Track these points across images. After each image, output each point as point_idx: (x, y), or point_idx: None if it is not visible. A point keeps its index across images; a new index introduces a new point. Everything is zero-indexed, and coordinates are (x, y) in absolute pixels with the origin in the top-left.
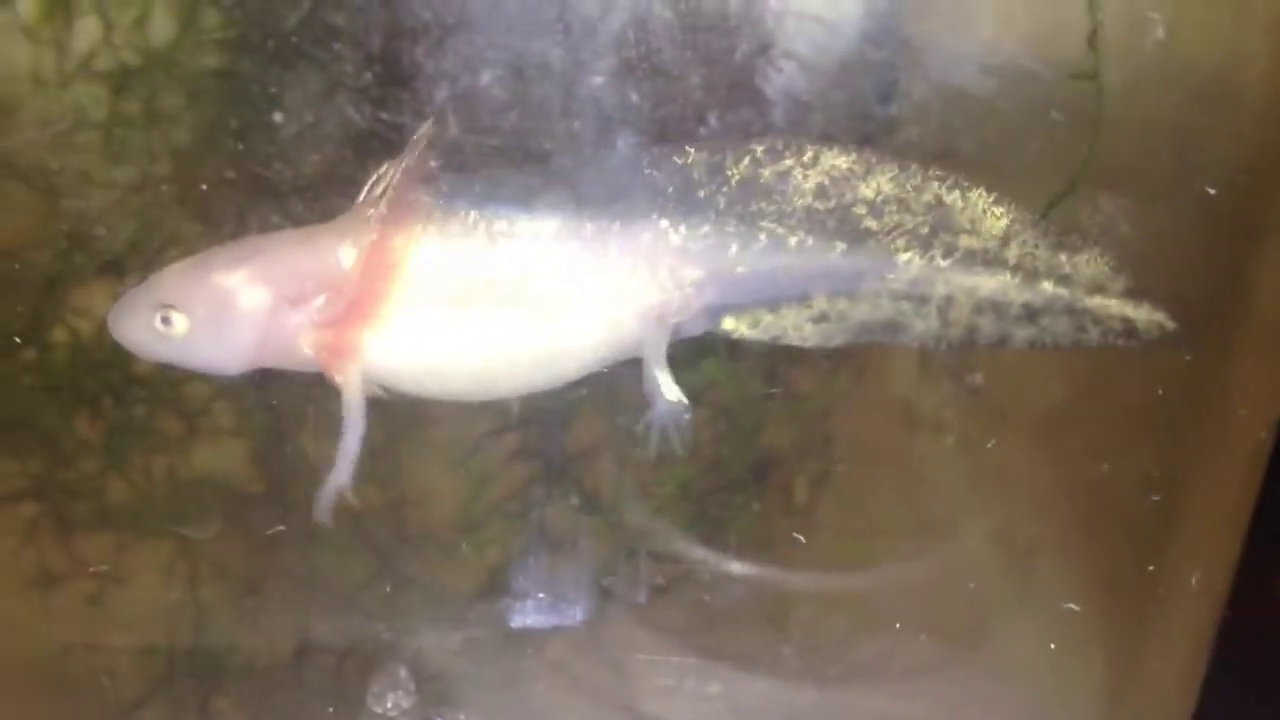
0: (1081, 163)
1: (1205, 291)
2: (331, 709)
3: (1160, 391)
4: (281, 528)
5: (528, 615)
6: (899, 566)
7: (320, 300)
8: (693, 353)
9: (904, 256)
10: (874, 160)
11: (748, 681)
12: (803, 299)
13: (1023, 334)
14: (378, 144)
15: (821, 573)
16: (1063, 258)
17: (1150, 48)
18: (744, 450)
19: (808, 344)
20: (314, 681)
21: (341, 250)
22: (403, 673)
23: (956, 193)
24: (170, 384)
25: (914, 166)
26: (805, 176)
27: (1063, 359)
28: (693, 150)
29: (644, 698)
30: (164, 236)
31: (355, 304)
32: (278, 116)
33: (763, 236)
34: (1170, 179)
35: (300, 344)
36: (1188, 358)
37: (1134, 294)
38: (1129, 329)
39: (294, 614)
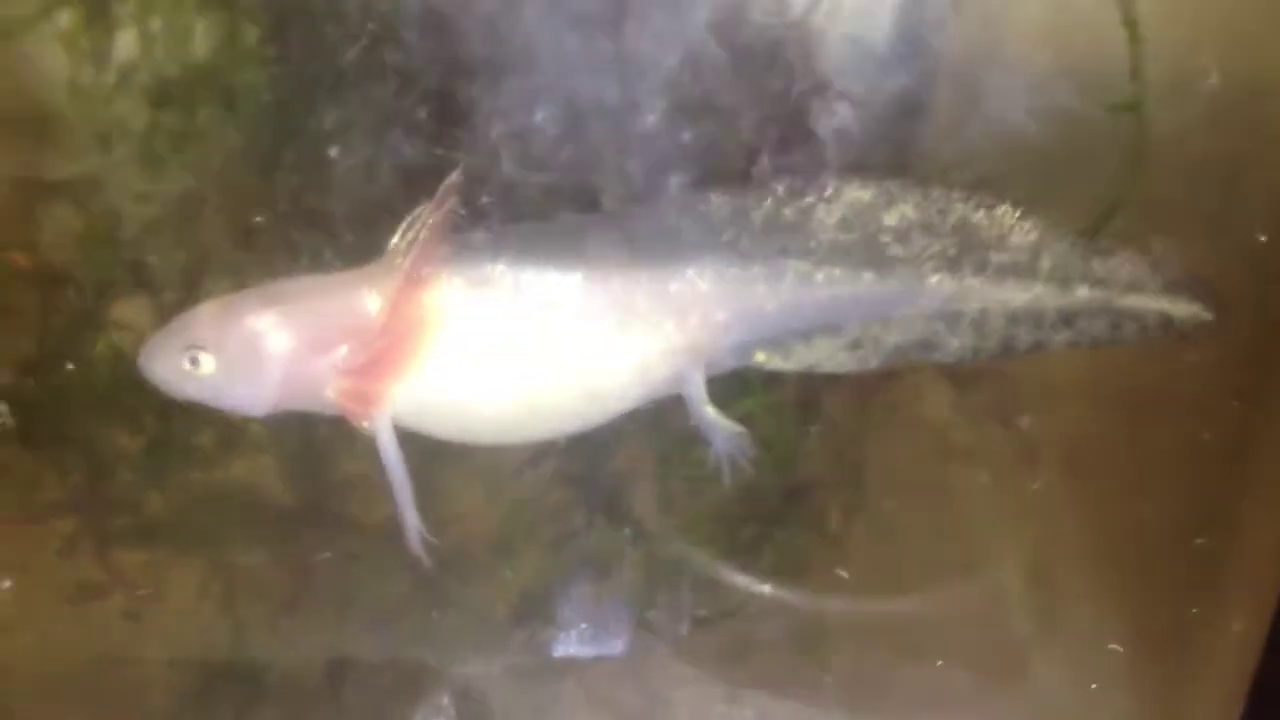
0: (1124, 186)
1: (1251, 338)
2: None
3: (1206, 436)
4: (327, 554)
5: (569, 645)
6: (933, 598)
7: (343, 350)
8: (734, 390)
9: (934, 279)
10: (896, 189)
11: (780, 709)
12: (835, 329)
13: (1059, 338)
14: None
15: (856, 602)
16: (1096, 263)
17: (1203, 93)
18: (780, 480)
19: (842, 371)
20: (350, 700)
21: (367, 300)
22: (445, 700)
23: (981, 212)
24: None
25: (937, 191)
26: (828, 212)
27: (1108, 401)
28: (715, 196)
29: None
30: (208, 257)
31: (379, 355)
32: (332, 150)
33: (789, 274)
34: (1220, 221)
35: (325, 390)
36: (1235, 403)
37: (1171, 288)
38: (1165, 322)
39: (330, 632)
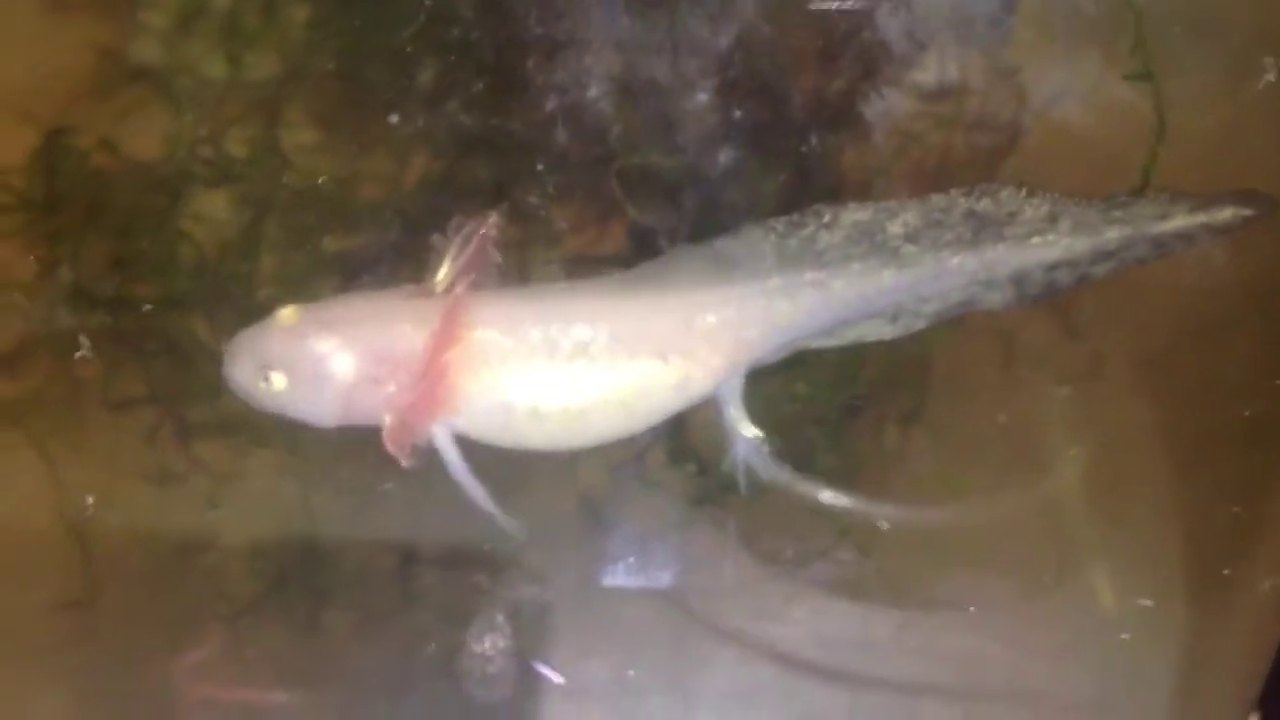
0: (1145, 167)
1: None
2: (433, 645)
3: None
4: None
5: (617, 576)
6: (987, 504)
7: (392, 386)
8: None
9: (955, 261)
10: (894, 205)
11: (831, 609)
12: (870, 316)
13: (1102, 268)
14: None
15: (911, 507)
16: (1117, 212)
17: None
18: (841, 388)
19: (888, 339)
20: (419, 591)
21: (417, 339)
22: (500, 618)
23: (986, 200)
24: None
25: (934, 197)
26: (832, 234)
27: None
28: (720, 240)
29: (730, 620)
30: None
31: (420, 398)
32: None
33: (809, 288)
34: None
35: (383, 416)
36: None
37: (1201, 206)
38: (1209, 231)
39: (403, 524)
